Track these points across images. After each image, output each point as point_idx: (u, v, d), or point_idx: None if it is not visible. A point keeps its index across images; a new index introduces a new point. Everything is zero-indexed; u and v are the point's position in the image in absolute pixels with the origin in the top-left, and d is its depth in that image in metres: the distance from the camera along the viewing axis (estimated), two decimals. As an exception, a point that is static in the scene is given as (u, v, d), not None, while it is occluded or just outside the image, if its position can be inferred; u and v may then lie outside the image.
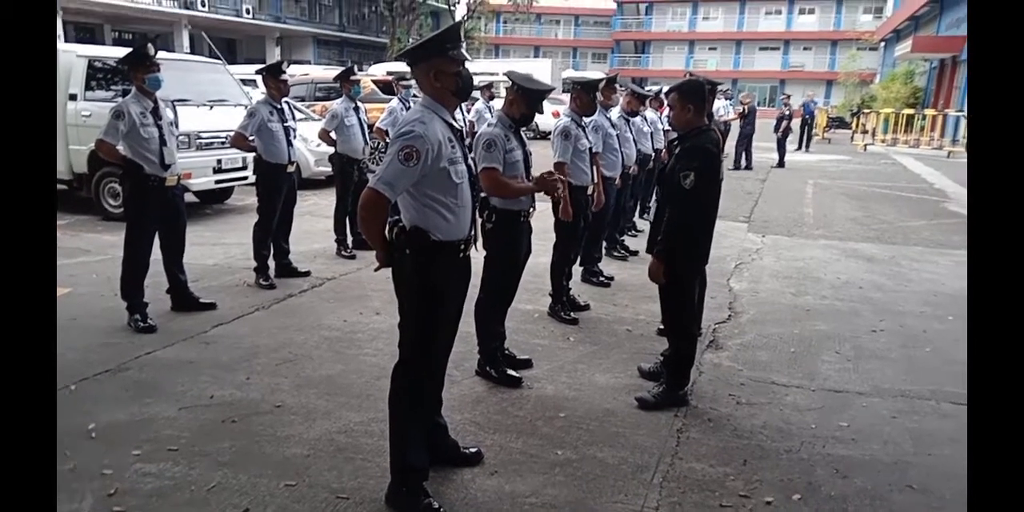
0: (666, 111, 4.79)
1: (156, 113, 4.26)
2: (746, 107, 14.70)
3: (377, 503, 2.54)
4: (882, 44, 33.04)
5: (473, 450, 2.89)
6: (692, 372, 3.73)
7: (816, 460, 2.97)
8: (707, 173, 3.21)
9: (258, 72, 5.39)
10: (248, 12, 27.45)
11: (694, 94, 3.28)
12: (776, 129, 15.50)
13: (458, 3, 37.96)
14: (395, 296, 2.54)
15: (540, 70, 24.47)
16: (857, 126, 23.30)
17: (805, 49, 43.21)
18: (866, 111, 24.02)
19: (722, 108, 15.80)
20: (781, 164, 15.09)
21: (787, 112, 15.79)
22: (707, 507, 2.61)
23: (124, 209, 5.29)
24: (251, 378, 3.62)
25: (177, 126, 4.49)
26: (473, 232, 2.57)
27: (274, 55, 28.70)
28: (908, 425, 3.31)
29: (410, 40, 31.18)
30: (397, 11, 30.82)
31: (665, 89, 4.26)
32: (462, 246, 2.50)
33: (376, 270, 2.55)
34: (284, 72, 5.30)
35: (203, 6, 25.21)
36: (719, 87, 6.26)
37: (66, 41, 19.48)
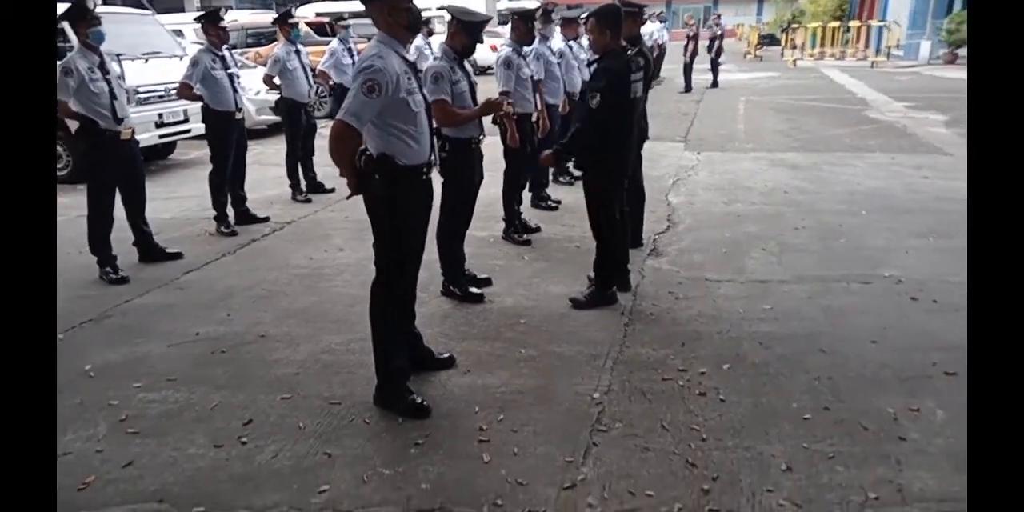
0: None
1: (103, 67, 4.29)
2: (691, 29, 14.94)
3: (367, 405, 2.88)
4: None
5: (446, 355, 3.24)
6: (635, 276, 4.15)
7: (743, 337, 3.43)
8: (611, 92, 3.50)
9: (197, 20, 5.37)
10: (156, -44, 25.81)
11: (609, 18, 3.54)
12: (709, 50, 15.75)
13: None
14: (354, 234, 2.81)
15: (475, 2, 23.93)
16: (787, 42, 23.70)
17: (736, -34, 42.93)
18: (795, 27, 24.38)
19: (655, 31, 15.96)
20: (715, 84, 15.43)
21: (719, 32, 16.01)
22: (652, 381, 3.04)
23: (83, 166, 5.32)
24: (231, 315, 3.88)
25: (124, 79, 4.53)
26: (432, 157, 2.84)
27: (193, 3, 27.22)
28: (822, 303, 3.81)
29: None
30: (316, -53, 29.33)
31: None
32: (424, 169, 2.78)
33: (348, 198, 2.80)
34: (223, 19, 5.30)
35: (107, -48, 23.62)
36: (652, 12, 6.45)
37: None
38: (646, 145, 4.65)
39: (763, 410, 2.79)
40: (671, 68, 16.73)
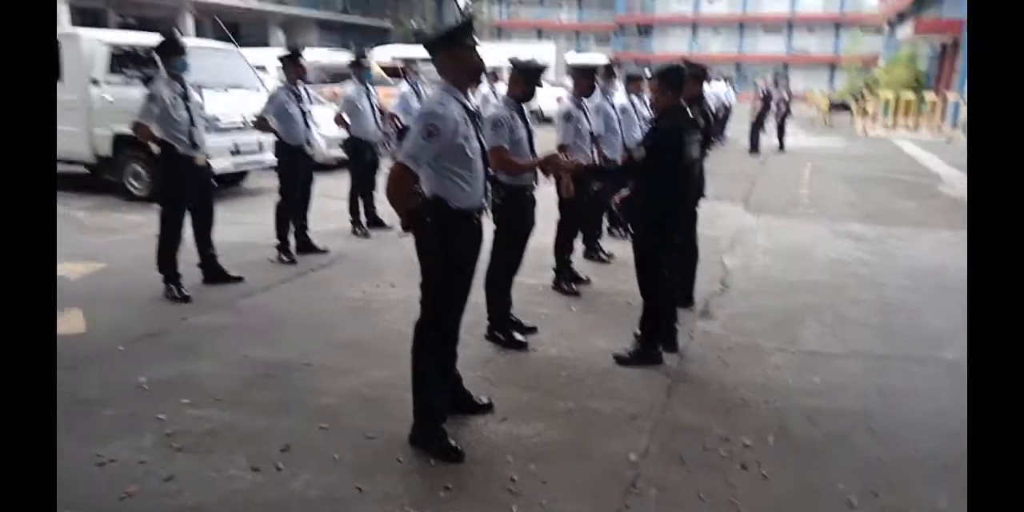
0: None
1: (185, 96, 4.58)
2: (760, 91, 15.00)
3: (402, 442, 2.90)
4: (886, 27, 33.00)
5: (485, 400, 3.25)
6: (684, 337, 4.09)
7: (791, 410, 3.32)
8: (661, 150, 3.56)
9: (279, 58, 5.69)
10: (252, -4, 27.57)
11: (672, 79, 3.62)
12: (776, 113, 15.72)
13: (461, -14, 37.96)
14: (408, 270, 2.88)
15: (543, 54, 24.59)
16: (858, 110, 23.47)
17: (809, 32, 43.08)
18: (868, 95, 24.16)
19: (722, 92, 16.08)
20: (781, 148, 15.35)
21: (787, 96, 16.01)
22: (692, 448, 2.96)
23: (158, 188, 5.61)
24: (281, 341, 3.98)
25: (203, 108, 4.81)
26: (485, 202, 2.91)
27: (277, 39, 28.84)
28: (876, 381, 3.67)
29: (412, 23, 31.28)
30: (400, -6, 30.90)
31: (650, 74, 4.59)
32: (476, 213, 2.85)
33: (400, 236, 2.89)
34: (302, 57, 5.60)
35: (207, -10, 25.35)
36: (721, 72, 6.53)
37: (72, 25, 19.74)
38: (703, 204, 4.65)
39: (807, 490, 2.69)
40: (736, 128, 16.74)
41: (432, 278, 2.82)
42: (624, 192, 3.95)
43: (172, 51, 4.54)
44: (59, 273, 5.04)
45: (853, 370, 3.82)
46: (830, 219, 8.03)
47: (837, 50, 40.13)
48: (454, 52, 2.74)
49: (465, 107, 2.78)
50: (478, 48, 2.81)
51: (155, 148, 4.68)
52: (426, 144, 2.62)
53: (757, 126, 14.90)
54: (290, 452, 2.81)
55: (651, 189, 3.64)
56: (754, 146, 14.76)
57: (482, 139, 2.91)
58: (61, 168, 8.56)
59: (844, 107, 27.90)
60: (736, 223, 7.60)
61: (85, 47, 7.58)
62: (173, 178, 4.65)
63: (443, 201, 2.74)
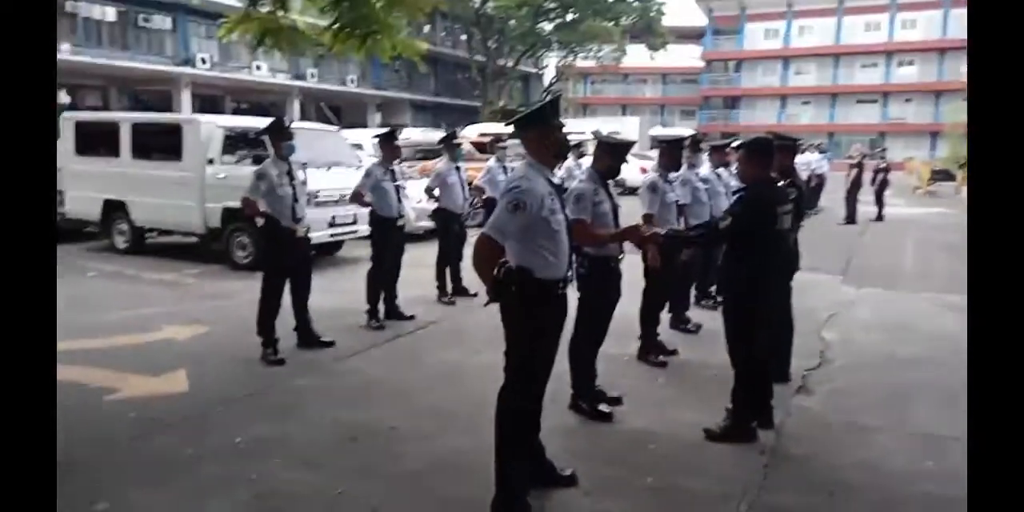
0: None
1: (290, 174, 4.93)
2: (855, 159, 14.66)
3: (485, 510, 2.84)
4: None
5: (568, 472, 3.16)
6: (780, 414, 3.88)
7: (904, 497, 3.06)
8: (746, 219, 3.49)
9: (375, 137, 6.07)
10: (352, 81, 29.77)
11: (760, 151, 3.60)
12: (872, 182, 15.23)
13: (546, 67, 39.64)
14: (492, 338, 2.91)
15: (628, 128, 25.11)
16: (963, 179, 22.40)
17: (906, 101, 42.00)
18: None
19: (814, 162, 15.79)
20: (879, 217, 14.76)
21: (883, 164, 15.52)
22: (791, 533, 2.76)
23: (261, 257, 5.97)
24: (370, 405, 4.05)
25: (307, 185, 5.16)
26: (570, 273, 2.93)
27: (374, 120, 30.80)
28: (1001, 468, 3.33)
29: (500, 102, 32.72)
30: (488, 76, 32.58)
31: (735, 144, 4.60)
32: (560, 284, 2.87)
33: (485, 305, 2.93)
34: (397, 138, 5.96)
35: (312, 77, 27.58)
36: (812, 142, 6.46)
37: (193, 111, 21.80)
38: (797, 276, 4.50)
39: (924, 585, 2.43)
40: (831, 198, 16.27)
41: (517, 346, 2.84)
42: (688, 253, 3.89)
43: (281, 135, 4.94)
44: (167, 335, 5.40)
45: (972, 455, 3.48)
46: (937, 292, 7.56)
47: (937, 117, 38.86)
48: (541, 130, 2.86)
49: (550, 182, 2.87)
50: (563, 127, 2.92)
51: (260, 221, 5.02)
52: (512, 217, 2.70)
53: (853, 195, 14.44)
54: (373, 518, 2.81)
55: (740, 259, 3.58)
56: (851, 216, 14.27)
57: (566, 212, 2.97)
58: (176, 239, 9.30)
59: (947, 175, 26.71)
60: (834, 295, 7.27)
61: (203, 131, 8.34)
62: (275, 249, 4.95)
63: (528, 272, 2.79)
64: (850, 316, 6.43)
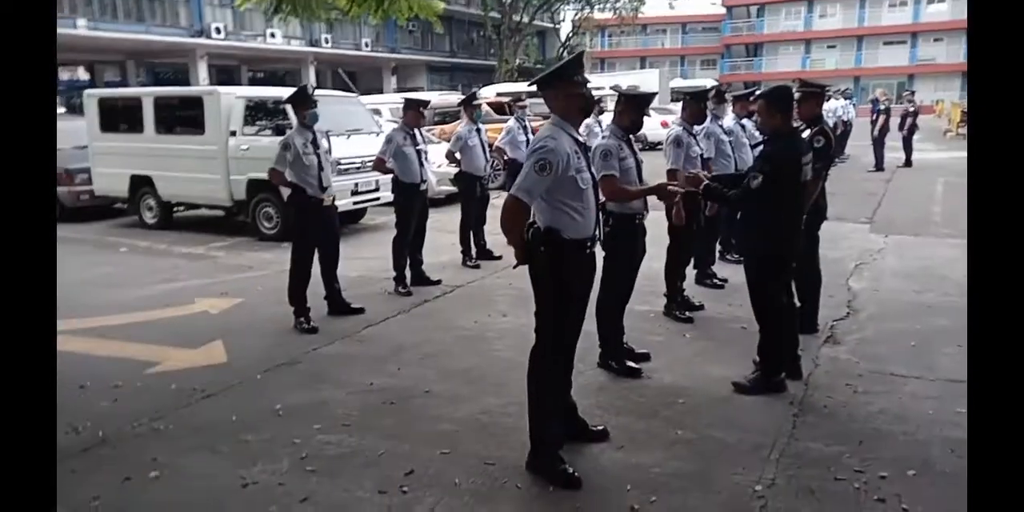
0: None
1: (315, 143, 4.95)
2: (882, 104, 14.26)
3: (520, 468, 2.93)
4: None
5: (600, 428, 3.23)
6: (808, 364, 3.90)
7: (932, 442, 3.09)
8: (775, 176, 3.42)
9: (405, 99, 6.08)
10: (367, 45, 29.46)
11: (781, 101, 3.52)
12: (900, 127, 14.84)
13: (563, 21, 38.75)
14: (517, 300, 2.94)
15: (647, 81, 24.55)
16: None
17: (936, 41, 40.37)
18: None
19: (840, 108, 15.37)
20: (908, 163, 14.42)
21: (912, 108, 15.08)
22: (823, 480, 2.81)
23: (290, 227, 6.05)
24: (401, 369, 4.14)
25: (331, 153, 5.17)
26: (597, 232, 2.94)
27: (390, 83, 30.54)
28: (1033, 412, 3.33)
29: (517, 61, 32.17)
30: (504, 34, 31.96)
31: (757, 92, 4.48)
32: (588, 243, 2.88)
33: (515, 267, 2.96)
34: (426, 105, 5.93)
35: (327, 43, 27.32)
36: (836, 88, 6.30)
37: (210, 83, 21.80)
38: (825, 225, 4.46)
39: (955, 527, 2.47)
40: (858, 145, 15.91)
41: (547, 307, 2.87)
42: (713, 208, 3.82)
43: (304, 104, 4.94)
44: (202, 308, 5.53)
45: (1004, 400, 3.49)
46: (963, 238, 7.42)
47: (967, 57, 37.41)
48: (564, 88, 2.82)
49: (576, 140, 2.85)
50: (588, 83, 2.88)
51: (286, 191, 5.06)
52: (539, 178, 2.70)
53: (880, 141, 14.09)
54: (413, 476, 2.91)
55: (762, 211, 3.54)
56: (879, 163, 13.96)
57: (592, 170, 2.96)
58: (202, 212, 9.44)
59: (979, 116, 25.83)
60: (862, 244, 7.19)
61: (224, 102, 8.35)
62: (302, 218, 5.00)
63: (556, 232, 2.80)
64: (877, 265, 6.37)
